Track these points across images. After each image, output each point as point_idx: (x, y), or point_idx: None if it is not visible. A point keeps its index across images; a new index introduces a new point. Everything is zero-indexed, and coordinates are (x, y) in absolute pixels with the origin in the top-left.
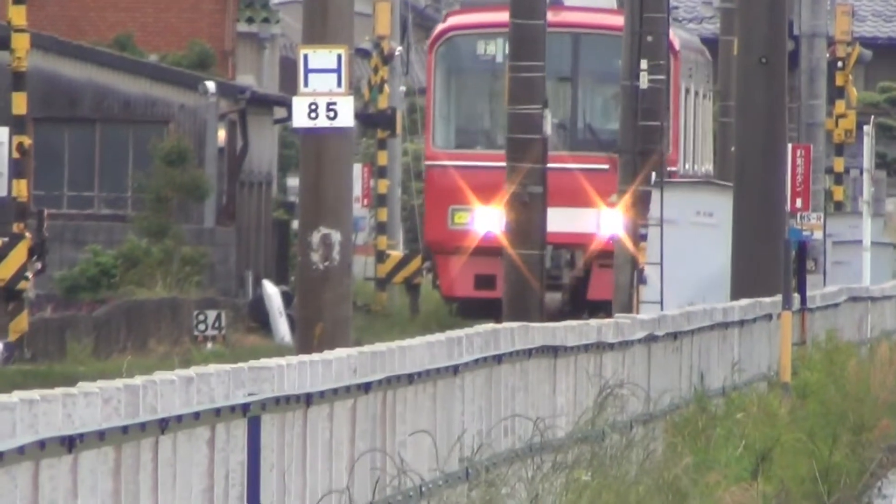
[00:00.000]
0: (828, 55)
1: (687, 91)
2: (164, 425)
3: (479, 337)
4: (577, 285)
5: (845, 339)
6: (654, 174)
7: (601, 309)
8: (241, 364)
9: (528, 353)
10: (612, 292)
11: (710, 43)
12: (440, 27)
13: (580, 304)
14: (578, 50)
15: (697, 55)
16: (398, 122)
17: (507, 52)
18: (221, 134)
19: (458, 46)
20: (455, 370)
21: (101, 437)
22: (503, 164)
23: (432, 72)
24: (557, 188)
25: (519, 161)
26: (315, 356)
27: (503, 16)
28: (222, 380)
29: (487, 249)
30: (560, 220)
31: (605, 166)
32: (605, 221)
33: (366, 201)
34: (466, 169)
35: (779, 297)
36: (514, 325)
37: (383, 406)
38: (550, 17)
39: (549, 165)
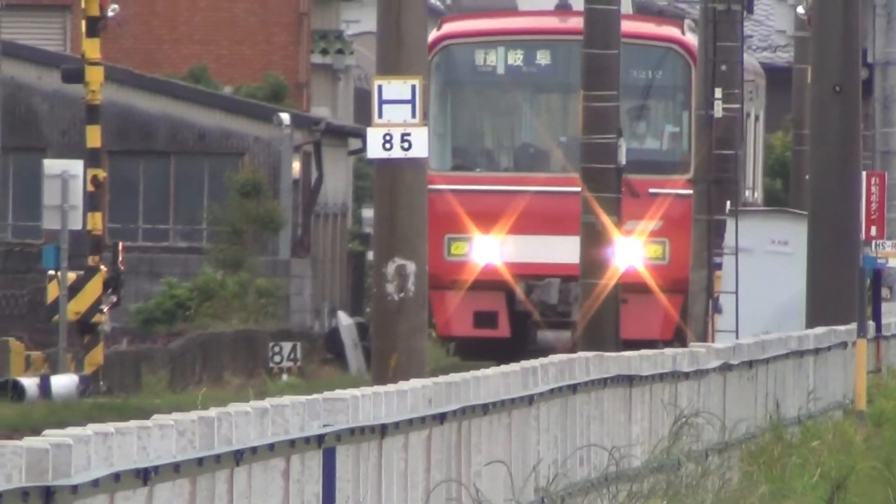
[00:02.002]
0: None
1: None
2: (238, 457)
3: (554, 366)
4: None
5: None
6: (728, 203)
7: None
8: (315, 395)
9: (604, 382)
10: (629, 329)
11: (784, 71)
12: (434, 35)
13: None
14: None
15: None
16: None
17: (508, 62)
18: (296, 165)
19: (454, 56)
20: (530, 400)
21: (176, 469)
22: (505, 187)
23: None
24: (565, 214)
25: (594, 191)
26: (390, 387)
27: (504, 22)
28: (297, 411)
29: (488, 283)
30: (569, 250)
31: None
32: (619, 251)
33: None
34: (464, 193)
35: (854, 325)
36: (589, 354)
37: (458, 436)
38: (556, 22)
39: (556, 189)
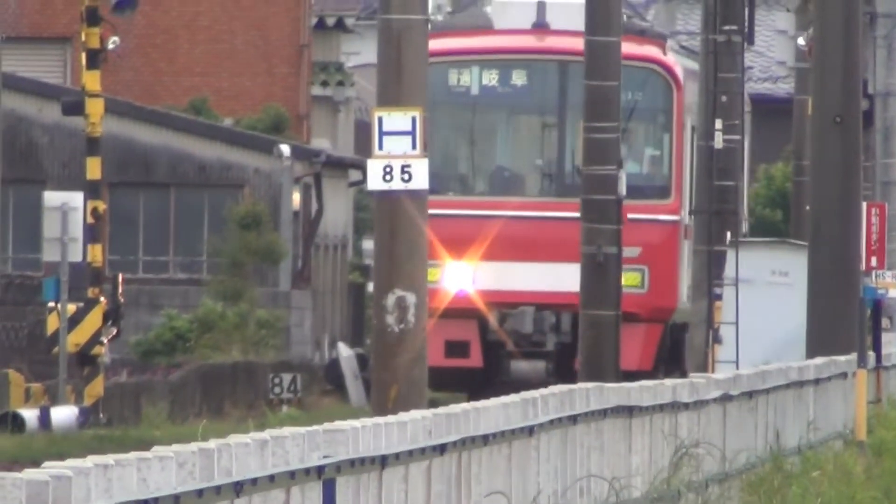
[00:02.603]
0: None
1: (694, 129)
2: (238, 488)
3: (554, 397)
4: (564, 353)
5: None
6: (728, 234)
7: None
8: (315, 426)
9: (604, 413)
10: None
11: (785, 102)
12: None
13: (567, 376)
14: (566, 80)
15: (692, 82)
16: None
17: (483, 82)
18: (296, 197)
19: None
20: (530, 431)
21: (175, 500)
22: (478, 212)
23: None
24: (541, 240)
25: (594, 222)
26: (390, 418)
27: (479, 41)
28: (297, 442)
29: (459, 311)
30: (544, 277)
31: None
32: None
33: None
34: (436, 218)
35: (854, 356)
36: (590, 385)
37: (458, 467)
38: (533, 41)
39: (532, 214)
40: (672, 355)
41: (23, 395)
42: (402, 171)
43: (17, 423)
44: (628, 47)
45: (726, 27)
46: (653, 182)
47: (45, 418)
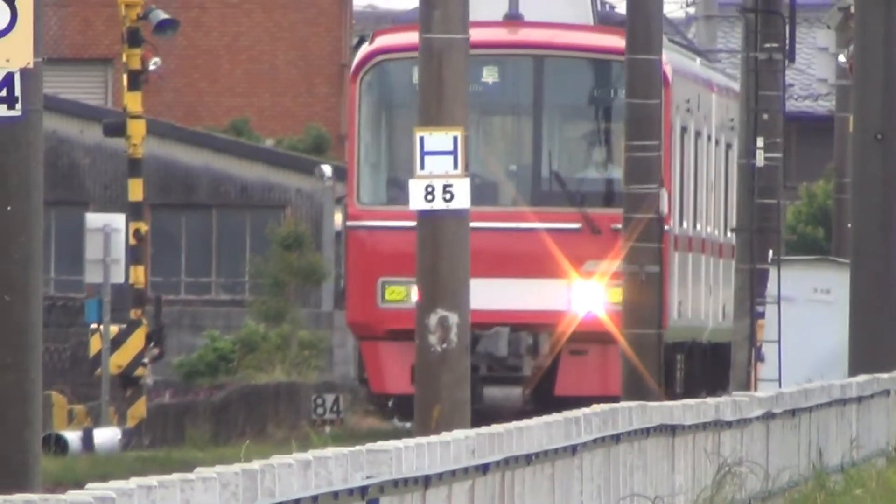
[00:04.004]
0: None
1: (685, 130)
2: None
3: (597, 416)
4: (541, 378)
5: None
6: (770, 252)
7: (571, 407)
8: (358, 447)
9: (646, 431)
10: (589, 385)
11: (826, 120)
12: (366, 50)
13: (545, 402)
14: (542, 77)
15: (701, 88)
16: None
17: None
18: (338, 217)
19: (389, 74)
20: (573, 450)
21: None
22: None
23: (356, 107)
24: (516, 254)
25: (635, 241)
26: (433, 438)
27: None
28: (340, 463)
29: None
30: (520, 295)
31: (577, 225)
32: (578, 296)
33: None
34: (401, 231)
35: None
36: (632, 404)
37: (501, 487)
38: (505, 35)
39: (506, 225)
40: (665, 378)
41: (66, 416)
42: (444, 191)
43: (60, 444)
44: (610, 40)
45: (767, 45)
46: None
47: (87, 440)
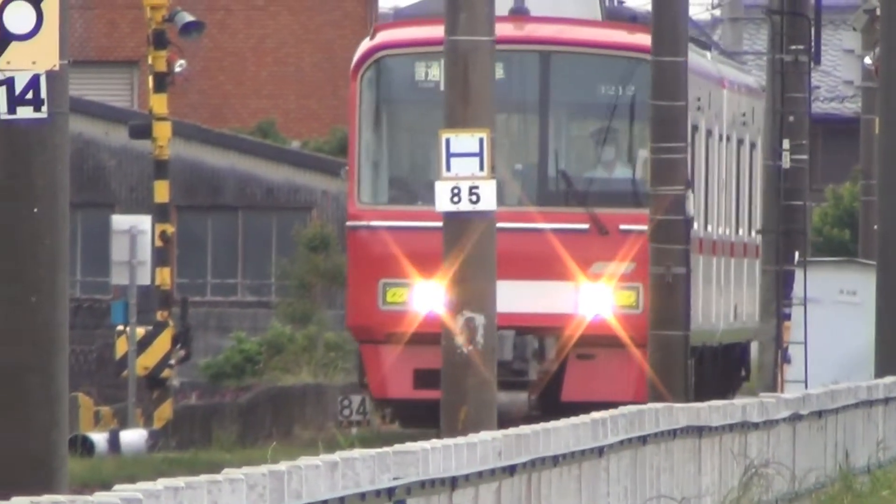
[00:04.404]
0: None
1: (695, 129)
2: None
3: (624, 418)
4: (547, 383)
5: None
6: (797, 253)
7: (579, 413)
8: (385, 448)
9: (673, 433)
10: (597, 390)
11: (852, 122)
12: (366, 46)
13: (551, 407)
14: (549, 73)
15: (712, 85)
16: None
17: None
18: None
19: (390, 70)
20: (600, 451)
21: None
22: None
23: (357, 104)
24: (522, 255)
25: (662, 242)
26: (460, 439)
27: None
28: (367, 464)
29: (430, 336)
30: (525, 297)
31: (584, 226)
32: (585, 298)
33: None
34: (403, 231)
35: None
36: (659, 405)
37: (528, 488)
38: (511, 29)
39: (511, 226)
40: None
41: (92, 418)
42: (470, 193)
43: (87, 446)
44: (617, 36)
45: (793, 47)
46: (647, 188)
47: (114, 441)
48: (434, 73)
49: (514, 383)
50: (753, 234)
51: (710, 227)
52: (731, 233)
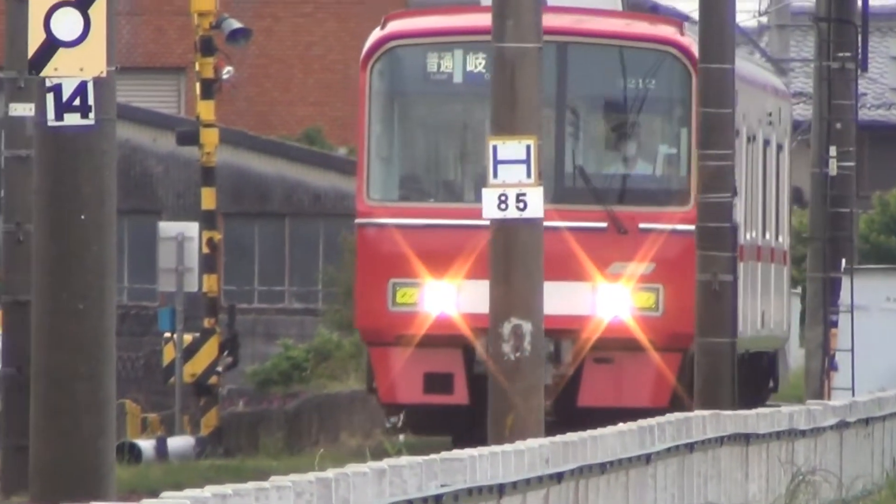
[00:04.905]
0: None
1: (766, 144)
2: None
3: (671, 425)
4: (563, 387)
5: None
6: (843, 260)
7: (596, 419)
8: (433, 455)
9: (720, 440)
10: (616, 396)
11: None
12: (377, 35)
13: (568, 413)
14: (567, 65)
15: (738, 82)
16: None
17: (468, 67)
18: None
19: (401, 61)
20: (647, 459)
21: None
22: (463, 221)
23: (367, 97)
24: None
25: (709, 249)
26: (507, 446)
27: (463, 19)
28: (415, 471)
29: (442, 339)
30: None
31: (602, 224)
32: (603, 299)
33: None
34: (413, 229)
35: None
36: (706, 412)
37: (576, 496)
38: None
39: None
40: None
41: (139, 425)
42: (518, 200)
43: (134, 453)
44: (639, 27)
45: (840, 54)
46: (668, 185)
47: (161, 448)
48: (447, 64)
49: None
50: (781, 238)
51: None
52: (757, 236)
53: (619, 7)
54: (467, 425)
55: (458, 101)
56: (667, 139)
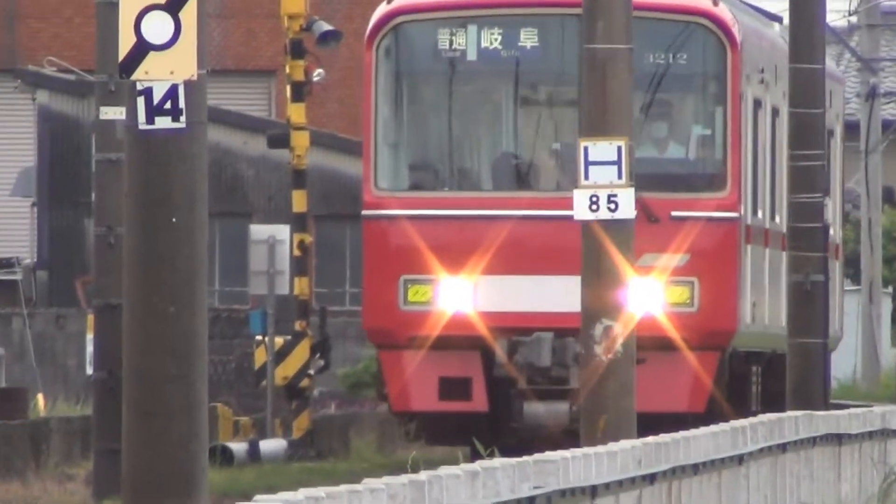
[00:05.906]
0: None
1: (758, 104)
2: None
3: (763, 426)
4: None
5: None
6: None
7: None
8: (525, 457)
9: (813, 441)
10: (648, 399)
11: None
12: (383, 10)
13: None
14: None
15: (778, 55)
16: None
17: (482, 44)
18: None
19: (410, 38)
20: (740, 459)
21: None
22: (480, 212)
23: (372, 77)
24: (560, 247)
25: (801, 250)
26: (600, 448)
27: None
28: (507, 473)
29: (457, 340)
30: (564, 295)
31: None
32: (633, 294)
33: None
34: (426, 221)
35: None
36: (798, 413)
37: (669, 497)
38: None
39: (547, 213)
40: (734, 393)
41: (231, 428)
42: (609, 201)
43: (227, 456)
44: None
45: None
46: (703, 170)
47: (254, 451)
48: (460, 40)
49: (552, 392)
50: (831, 232)
51: (778, 218)
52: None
53: None
54: (487, 434)
55: (472, 81)
56: (700, 119)
